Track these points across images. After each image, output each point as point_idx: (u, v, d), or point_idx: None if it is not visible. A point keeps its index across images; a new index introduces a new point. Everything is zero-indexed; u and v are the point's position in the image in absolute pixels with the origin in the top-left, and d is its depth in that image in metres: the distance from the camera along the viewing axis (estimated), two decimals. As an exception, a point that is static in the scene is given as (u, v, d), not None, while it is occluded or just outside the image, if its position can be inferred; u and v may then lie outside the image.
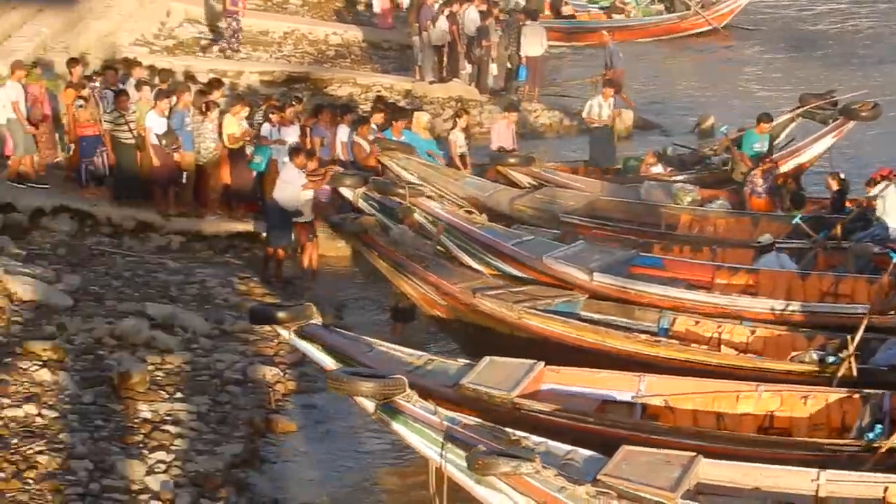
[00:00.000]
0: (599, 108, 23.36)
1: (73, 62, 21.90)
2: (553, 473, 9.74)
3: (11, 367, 13.52)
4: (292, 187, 18.16)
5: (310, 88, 28.90)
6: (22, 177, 20.01)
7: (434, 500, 10.29)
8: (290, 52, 32.36)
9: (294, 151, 18.64)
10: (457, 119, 22.04)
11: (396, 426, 10.54)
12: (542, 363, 12.33)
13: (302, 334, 11.79)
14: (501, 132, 22.18)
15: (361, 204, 16.70)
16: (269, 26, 33.40)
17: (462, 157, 21.29)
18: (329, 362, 11.75)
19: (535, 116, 28.34)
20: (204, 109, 20.16)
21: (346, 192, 17.13)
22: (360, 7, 36.89)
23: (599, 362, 12.94)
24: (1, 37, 25.35)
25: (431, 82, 29.01)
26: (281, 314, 11.77)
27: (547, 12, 36.35)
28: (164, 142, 19.63)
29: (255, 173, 20.19)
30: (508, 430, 10.40)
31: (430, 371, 12.17)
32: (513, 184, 19.43)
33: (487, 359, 12.26)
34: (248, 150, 20.31)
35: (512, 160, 19.81)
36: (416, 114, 22.15)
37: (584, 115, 23.81)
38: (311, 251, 18.84)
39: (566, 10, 37.47)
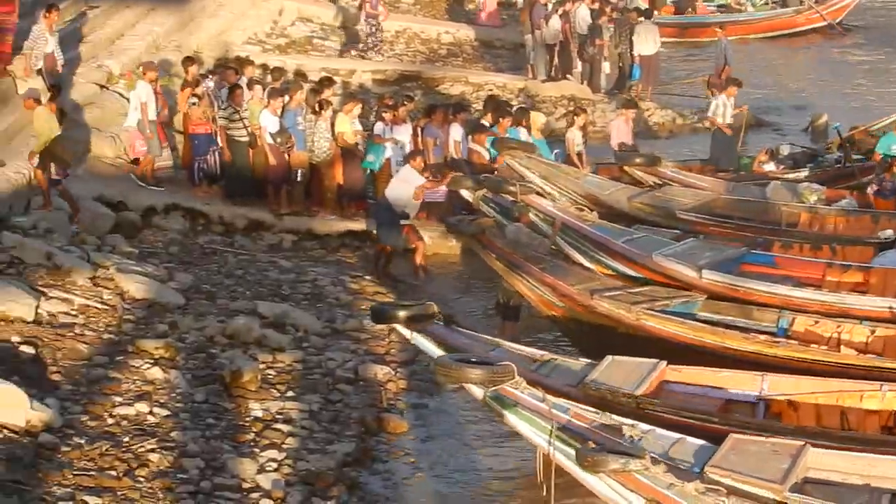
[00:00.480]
0: (724, 107, 22.97)
1: (188, 61, 22.00)
2: (662, 470, 9.60)
3: (123, 365, 13.55)
4: (407, 187, 18.13)
5: (421, 87, 28.86)
6: (142, 178, 20.24)
7: (542, 488, 10.27)
8: (402, 50, 32.39)
9: (413, 154, 18.73)
10: (574, 117, 21.91)
11: (505, 413, 10.53)
12: (665, 362, 12.16)
13: (424, 333, 11.75)
14: (620, 129, 22.17)
15: (482, 206, 16.75)
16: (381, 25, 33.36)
17: (579, 155, 21.15)
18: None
19: (648, 115, 28.03)
20: (317, 108, 20.16)
21: (466, 195, 17.14)
22: (472, 6, 36.78)
23: (718, 363, 12.71)
24: (114, 35, 25.58)
25: (544, 81, 28.90)
26: (403, 313, 11.75)
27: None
28: (278, 140, 19.67)
29: (366, 172, 20.15)
30: (616, 416, 10.42)
31: (553, 370, 12.07)
32: (635, 182, 19.30)
33: (610, 358, 12.13)
34: (361, 148, 20.31)
35: (638, 160, 19.72)
36: (532, 113, 22.09)
37: (710, 113, 23.42)
38: (422, 250, 18.72)
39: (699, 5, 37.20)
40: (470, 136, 20.39)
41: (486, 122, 21.06)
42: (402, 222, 18.47)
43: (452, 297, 17.95)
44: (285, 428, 12.85)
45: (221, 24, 29.60)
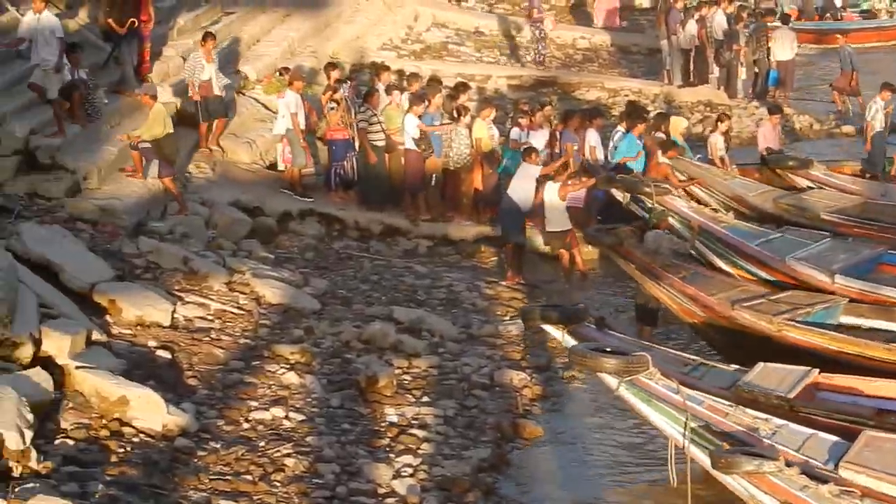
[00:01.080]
0: (878, 111, 22.54)
1: (330, 66, 22.10)
2: (796, 472, 9.57)
3: (259, 370, 13.55)
4: (526, 184, 18.02)
5: (557, 92, 28.67)
6: (292, 188, 20.38)
7: (673, 481, 10.38)
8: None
9: (528, 151, 18.63)
10: (718, 123, 21.80)
11: (638, 404, 10.64)
12: (817, 370, 11.85)
13: (575, 335, 11.76)
14: (767, 134, 22.02)
15: (632, 206, 17.15)
16: (515, 30, 33.25)
17: (721, 159, 20.88)
18: None
19: (786, 121, 27.59)
20: (456, 114, 20.12)
21: (618, 195, 17.56)
22: (590, 10, 36.63)
23: (863, 372, 12.33)
24: (250, 41, 25.82)
25: (680, 86, 28.61)
26: (555, 314, 11.80)
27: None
28: (421, 146, 19.64)
29: (498, 177, 20.02)
30: (749, 410, 10.47)
31: (704, 374, 11.92)
32: (785, 186, 19.29)
33: (761, 364, 11.91)
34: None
35: (791, 163, 19.81)
36: (672, 118, 21.95)
37: (868, 118, 22.94)
38: (575, 255, 18.65)
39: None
40: (660, 152, 20.15)
41: (621, 128, 20.90)
42: (555, 229, 18.39)
43: (587, 300, 17.72)
44: (421, 433, 12.74)
45: (357, 29, 29.75)
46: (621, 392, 10.63)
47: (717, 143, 21.14)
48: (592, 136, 20.68)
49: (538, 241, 18.83)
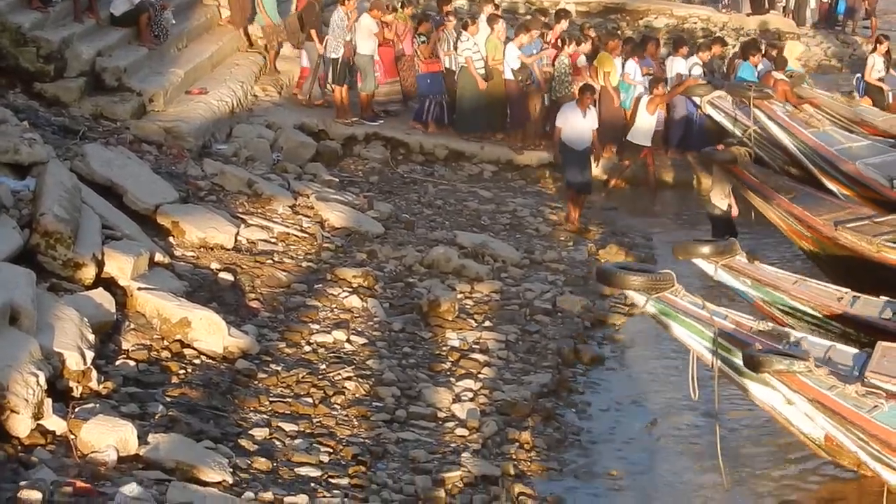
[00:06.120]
0: None
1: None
2: (825, 372, 9.90)
3: (322, 293, 13.55)
4: (577, 125, 17.54)
5: (625, 19, 28.36)
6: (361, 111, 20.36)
7: (694, 394, 10.52)
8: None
9: (583, 90, 18.00)
10: (877, 44, 21.69)
11: (667, 321, 10.75)
12: None
13: (729, 269, 11.95)
14: (877, 63, 21.71)
15: (708, 109, 17.79)
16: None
17: (880, 81, 20.72)
18: (755, 294, 12.10)
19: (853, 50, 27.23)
20: (561, 44, 20.10)
21: (696, 99, 18.34)
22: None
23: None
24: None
25: (748, 14, 28.16)
26: (706, 248, 11.87)
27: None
28: (519, 77, 19.51)
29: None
30: (772, 325, 10.72)
31: (858, 306, 11.94)
32: None
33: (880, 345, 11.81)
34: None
35: None
36: (788, 43, 21.82)
37: None
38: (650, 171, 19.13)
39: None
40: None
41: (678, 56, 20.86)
42: (637, 142, 19.15)
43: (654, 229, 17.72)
44: (481, 358, 12.71)
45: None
46: (648, 308, 10.74)
47: (874, 64, 20.94)
48: (680, 65, 20.69)
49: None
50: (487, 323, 13.65)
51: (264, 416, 10.69)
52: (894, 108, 20.56)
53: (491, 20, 20.62)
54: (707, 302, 10.72)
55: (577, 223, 17.50)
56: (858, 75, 21.04)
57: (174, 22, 19.99)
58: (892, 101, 20.86)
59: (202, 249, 13.68)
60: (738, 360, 10.17)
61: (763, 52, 20.75)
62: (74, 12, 18.47)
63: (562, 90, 19.66)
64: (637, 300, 10.90)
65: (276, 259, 14.09)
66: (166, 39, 19.57)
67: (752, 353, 9.90)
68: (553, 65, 19.88)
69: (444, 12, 21.01)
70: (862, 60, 26.13)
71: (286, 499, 9.23)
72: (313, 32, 20.32)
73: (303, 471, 9.85)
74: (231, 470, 9.34)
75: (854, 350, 10.56)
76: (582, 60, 20.19)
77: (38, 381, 9.13)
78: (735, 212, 15.44)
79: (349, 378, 11.72)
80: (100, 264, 11.73)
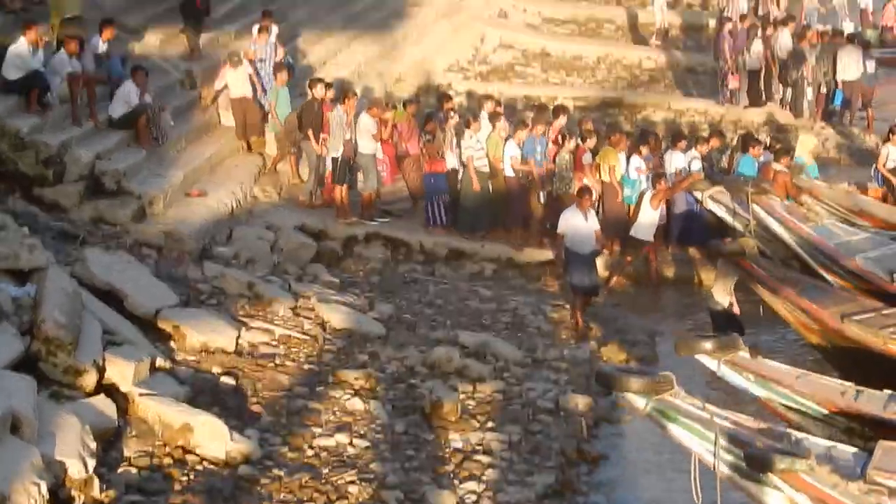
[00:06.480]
0: None
1: (446, 97, 21.96)
2: (827, 470, 9.82)
3: (324, 396, 13.51)
4: (581, 228, 17.38)
5: (623, 113, 28.53)
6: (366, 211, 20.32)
7: (695, 492, 10.25)
8: (604, 76, 31.94)
9: (580, 192, 17.90)
10: (890, 134, 21.61)
11: (667, 423, 10.56)
12: None
13: (731, 364, 11.85)
14: (892, 153, 21.60)
15: (709, 204, 17.66)
16: (582, 51, 33.07)
17: (893, 171, 20.77)
18: (758, 390, 11.95)
19: (850, 141, 27.33)
20: (561, 140, 20.10)
21: (697, 194, 18.27)
22: (674, 31, 36.25)
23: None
24: (317, 63, 25.81)
25: (745, 107, 28.31)
26: (709, 344, 11.79)
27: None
28: (520, 174, 19.56)
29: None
30: (773, 426, 10.66)
31: (862, 400, 11.89)
32: None
33: (881, 443, 11.71)
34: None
35: None
36: (801, 137, 21.87)
37: None
38: (652, 266, 19.13)
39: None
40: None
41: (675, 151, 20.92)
42: (640, 237, 19.02)
43: (658, 328, 17.68)
44: (485, 459, 12.66)
45: (424, 51, 29.69)
46: (649, 412, 10.58)
47: (889, 154, 21.01)
48: (678, 159, 20.65)
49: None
50: (490, 423, 13.58)
51: (268, 522, 10.63)
52: None
53: (493, 117, 20.72)
54: (707, 403, 10.60)
55: (581, 325, 17.41)
56: (875, 166, 21.13)
57: (173, 124, 20.10)
58: None
59: (203, 353, 13.67)
60: (741, 461, 10.05)
61: (764, 144, 20.87)
62: (73, 115, 18.63)
63: (563, 187, 19.69)
64: (637, 403, 10.72)
65: (277, 362, 14.06)
66: (165, 141, 19.66)
67: (753, 452, 9.85)
68: (554, 161, 19.92)
69: (446, 109, 21.08)
70: (861, 151, 26.33)
71: None
72: (310, 132, 20.37)
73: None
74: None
75: (854, 449, 10.53)
76: (588, 158, 20.19)
77: (39, 491, 9.09)
78: (737, 309, 15.34)
79: (352, 482, 11.67)
80: (101, 370, 11.73)
